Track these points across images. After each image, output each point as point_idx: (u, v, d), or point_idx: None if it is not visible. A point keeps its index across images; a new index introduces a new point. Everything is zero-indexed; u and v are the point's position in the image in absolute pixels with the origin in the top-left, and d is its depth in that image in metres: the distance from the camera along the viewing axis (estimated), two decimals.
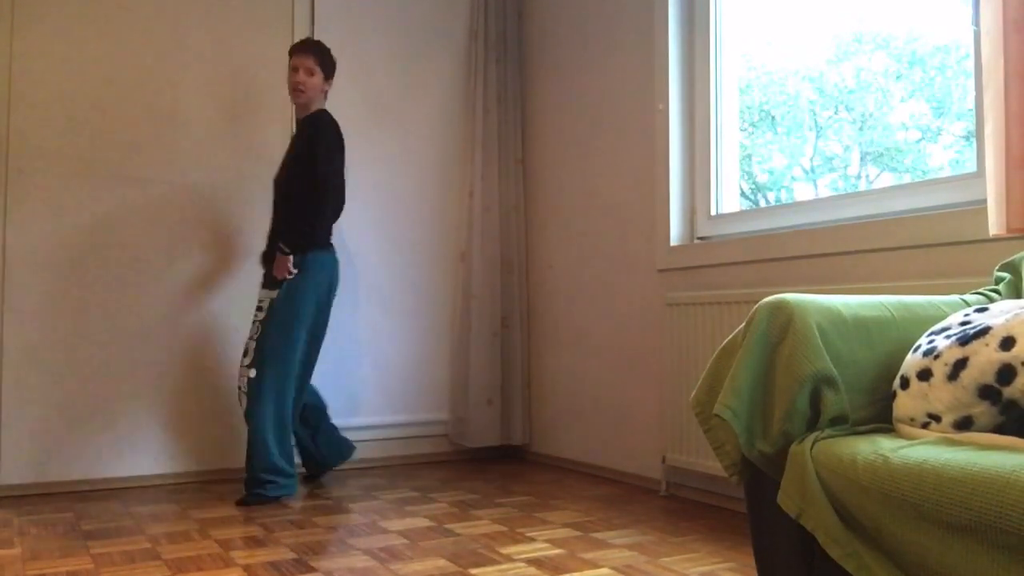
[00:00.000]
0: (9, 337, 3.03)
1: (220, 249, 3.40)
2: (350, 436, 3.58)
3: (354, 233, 3.66)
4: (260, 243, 3.46)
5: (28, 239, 3.08)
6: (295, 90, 3.03)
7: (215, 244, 3.39)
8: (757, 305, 1.44)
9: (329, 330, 3.60)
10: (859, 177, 2.81)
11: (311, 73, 3.03)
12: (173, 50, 3.35)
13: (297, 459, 3.23)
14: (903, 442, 1.23)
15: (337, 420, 3.56)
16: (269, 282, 3.02)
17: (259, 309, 3.00)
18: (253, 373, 2.92)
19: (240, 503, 2.88)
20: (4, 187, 3.05)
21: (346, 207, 3.62)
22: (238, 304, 3.41)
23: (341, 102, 3.67)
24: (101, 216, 3.20)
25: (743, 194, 3.11)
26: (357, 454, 3.60)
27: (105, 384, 3.16)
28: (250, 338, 2.98)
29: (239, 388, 2.99)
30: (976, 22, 1.97)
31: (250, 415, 2.92)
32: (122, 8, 3.26)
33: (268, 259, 3.08)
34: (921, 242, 2.20)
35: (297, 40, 3.63)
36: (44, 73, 3.13)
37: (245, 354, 2.97)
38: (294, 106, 3.15)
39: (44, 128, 3.12)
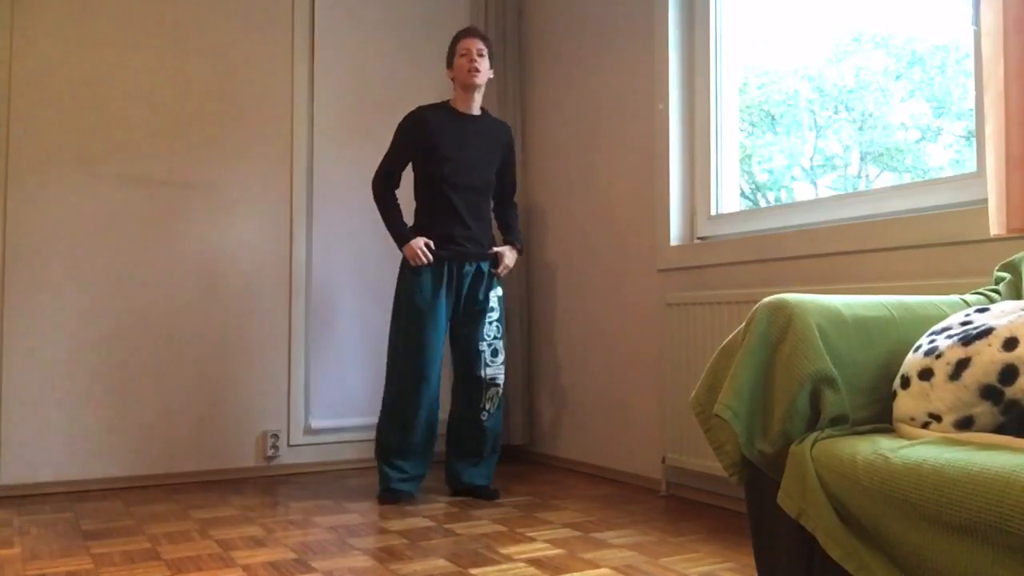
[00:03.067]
0: (9, 337, 3.03)
1: (220, 249, 3.40)
2: (350, 436, 3.59)
3: (355, 233, 3.66)
4: (259, 242, 3.47)
5: (28, 239, 3.07)
6: (472, 71, 2.93)
7: (215, 244, 3.39)
8: (757, 305, 1.44)
9: (329, 330, 3.61)
10: (859, 177, 2.81)
11: (482, 55, 2.97)
12: (173, 49, 3.35)
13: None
14: (903, 442, 1.23)
15: (337, 420, 3.57)
16: (491, 280, 3.03)
17: (491, 309, 3.02)
18: (503, 372, 3.04)
19: (494, 495, 2.98)
20: (4, 187, 3.05)
21: (346, 207, 3.62)
22: (238, 304, 3.41)
23: (341, 101, 3.67)
24: (101, 216, 3.19)
25: (743, 194, 3.11)
26: (357, 454, 3.61)
27: (105, 384, 3.16)
28: (494, 337, 3.01)
29: (493, 384, 3.00)
30: (976, 22, 1.97)
31: (499, 413, 3.05)
32: (122, 7, 3.26)
33: (482, 255, 3.02)
34: (921, 242, 2.20)
35: (298, 39, 3.63)
36: (44, 73, 3.13)
37: (495, 354, 3.01)
38: (467, 89, 2.98)
39: (44, 128, 3.12)
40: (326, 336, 3.58)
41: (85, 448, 3.12)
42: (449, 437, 3.08)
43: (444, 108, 3.02)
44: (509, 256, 3.06)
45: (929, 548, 1.09)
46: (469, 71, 2.94)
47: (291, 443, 3.48)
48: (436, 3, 3.91)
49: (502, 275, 3.06)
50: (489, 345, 3.00)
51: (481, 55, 2.96)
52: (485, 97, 3.89)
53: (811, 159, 2.98)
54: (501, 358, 3.03)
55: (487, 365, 3.00)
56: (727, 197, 3.02)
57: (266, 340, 3.46)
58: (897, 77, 2.66)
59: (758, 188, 3.20)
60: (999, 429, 1.24)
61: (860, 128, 2.80)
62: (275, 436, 3.44)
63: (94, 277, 3.17)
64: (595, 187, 3.49)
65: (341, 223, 3.63)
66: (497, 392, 3.02)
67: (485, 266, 3.02)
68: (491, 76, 3.05)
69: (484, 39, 3.00)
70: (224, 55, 3.44)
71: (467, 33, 3.00)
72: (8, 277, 3.04)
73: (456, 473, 3.05)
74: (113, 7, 3.25)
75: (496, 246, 3.08)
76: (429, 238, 2.94)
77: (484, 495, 2.97)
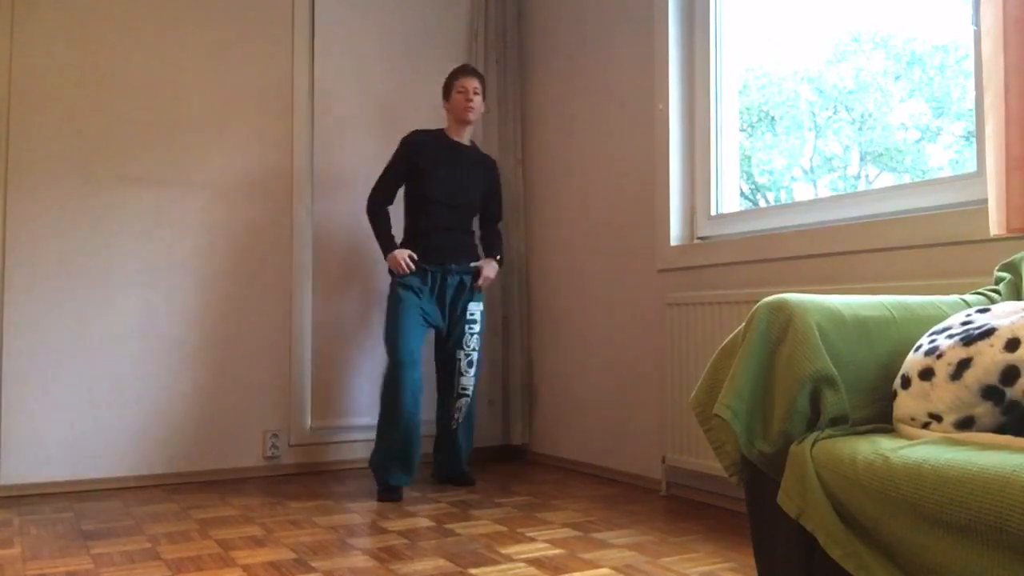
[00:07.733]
0: (9, 337, 3.03)
1: (219, 250, 3.40)
2: (351, 436, 3.59)
3: (355, 233, 3.66)
4: (259, 242, 3.47)
5: (28, 239, 3.07)
6: (467, 108, 3.20)
7: (214, 245, 3.39)
8: (757, 305, 1.44)
9: (329, 330, 3.61)
10: (859, 177, 2.81)
11: (478, 93, 3.23)
12: (173, 49, 3.35)
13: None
14: (903, 442, 1.23)
15: (338, 420, 3.57)
16: (473, 293, 3.24)
17: (473, 322, 3.22)
18: (474, 381, 3.24)
19: (471, 483, 3.24)
20: (4, 187, 3.05)
21: (348, 208, 3.63)
22: (239, 303, 3.41)
23: (341, 103, 3.67)
24: (101, 217, 3.19)
25: (743, 194, 3.11)
26: (357, 454, 3.61)
27: (105, 384, 3.16)
28: (472, 349, 3.21)
29: (463, 394, 3.21)
30: (976, 22, 1.97)
31: (471, 417, 3.28)
32: (121, 8, 3.26)
33: (464, 267, 3.22)
34: (921, 242, 2.20)
35: (298, 39, 3.63)
36: (44, 73, 3.13)
37: (470, 365, 3.21)
38: (460, 123, 3.25)
39: (44, 128, 3.12)
40: (326, 336, 3.58)
41: (85, 448, 3.12)
42: (436, 441, 3.34)
43: (437, 134, 3.26)
44: (489, 268, 3.24)
45: (929, 548, 1.09)
46: (465, 108, 3.20)
47: (291, 443, 3.48)
48: (436, 5, 3.91)
49: (483, 286, 3.24)
50: (467, 356, 3.21)
51: (476, 93, 3.21)
52: (487, 96, 3.91)
53: (811, 159, 2.98)
54: (474, 370, 3.22)
55: (461, 374, 3.20)
56: (727, 197, 3.02)
57: (266, 340, 3.46)
58: (897, 78, 2.66)
59: (758, 189, 3.20)
60: (1000, 429, 1.24)
61: (859, 128, 2.80)
62: (275, 436, 3.44)
63: (94, 277, 3.17)
64: (595, 187, 3.49)
65: (342, 224, 3.63)
66: (466, 402, 3.22)
67: (468, 279, 3.22)
68: (483, 111, 3.34)
69: (480, 77, 3.25)
70: (224, 55, 3.44)
71: (465, 72, 3.24)
72: (8, 277, 3.04)
73: (438, 466, 3.31)
74: (113, 7, 3.25)
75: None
76: (414, 251, 3.14)
77: (462, 481, 3.22)
